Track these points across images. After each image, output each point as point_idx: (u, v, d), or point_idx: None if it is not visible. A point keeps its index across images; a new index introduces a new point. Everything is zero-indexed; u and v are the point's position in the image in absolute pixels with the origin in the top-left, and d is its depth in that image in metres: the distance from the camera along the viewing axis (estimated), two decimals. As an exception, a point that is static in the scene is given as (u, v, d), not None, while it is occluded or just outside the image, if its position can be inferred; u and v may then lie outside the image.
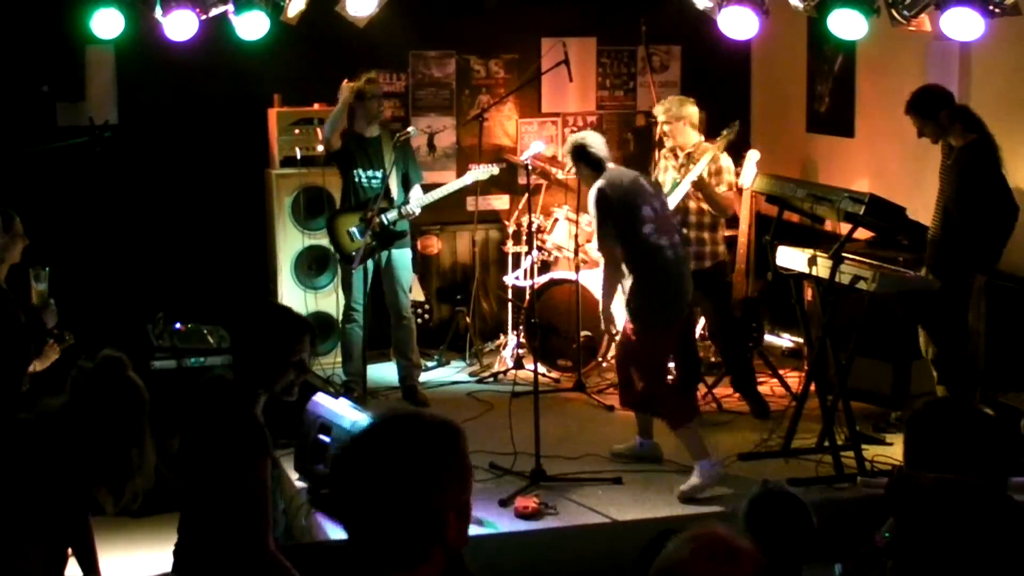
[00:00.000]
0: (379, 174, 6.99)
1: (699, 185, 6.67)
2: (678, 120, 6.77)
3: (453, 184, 7.32)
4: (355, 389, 6.89)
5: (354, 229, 7.00)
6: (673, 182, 6.75)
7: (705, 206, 6.76)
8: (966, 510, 2.32)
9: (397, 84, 8.42)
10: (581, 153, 5.95)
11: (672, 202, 6.61)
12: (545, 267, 8.02)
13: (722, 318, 7.05)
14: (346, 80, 7.09)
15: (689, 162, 6.73)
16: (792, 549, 3.27)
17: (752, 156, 7.09)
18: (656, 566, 2.05)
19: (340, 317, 7.30)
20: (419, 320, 7.94)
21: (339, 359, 7.53)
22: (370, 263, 7.01)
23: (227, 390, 3.65)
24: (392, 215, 6.94)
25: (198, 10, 5.86)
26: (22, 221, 5.43)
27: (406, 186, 7.07)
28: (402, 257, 7.17)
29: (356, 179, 7.03)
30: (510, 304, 8.02)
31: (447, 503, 2.05)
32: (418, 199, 7.05)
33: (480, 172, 7.30)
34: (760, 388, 7.41)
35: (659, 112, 6.85)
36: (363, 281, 6.95)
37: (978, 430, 2.89)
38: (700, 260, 6.73)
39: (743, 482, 5.81)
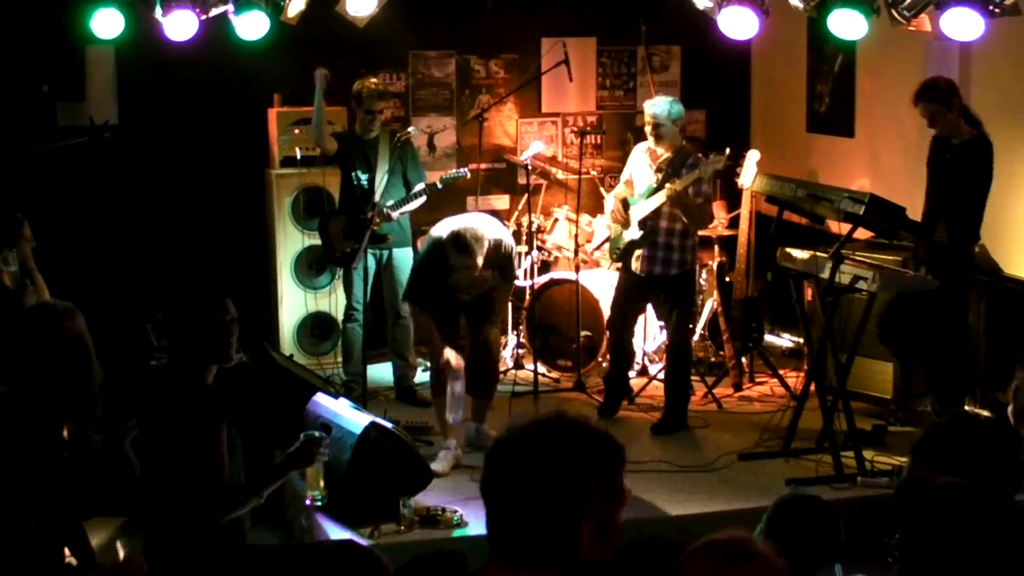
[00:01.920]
0: (368, 176, 6.95)
1: (677, 201, 6.36)
2: (673, 123, 6.44)
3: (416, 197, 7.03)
4: (355, 389, 6.88)
5: (340, 231, 6.98)
6: (649, 186, 6.53)
7: (677, 212, 6.45)
8: (975, 515, 2.31)
9: (397, 84, 8.41)
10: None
11: (647, 208, 6.49)
12: (545, 267, 8.02)
13: (682, 327, 6.71)
14: (320, 68, 6.95)
15: (670, 169, 6.44)
16: (817, 555, 3.26)
17: (752, 156, 7.09)
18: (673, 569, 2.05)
19: (341, 316, 7.30)
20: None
21: (339, 359, 7.53)
22: (371, 263, 7.01)
23: (172, 372, 3.80)
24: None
25: (198, 10, 5.87)
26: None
27: (408, 188, 7.04)
28: (403, 257, 7.16)
29: (355, 181, 7.00)
30: (510, 304, 8.01)
31: (583, 513, 2.04)
32: (399, 208, 6.91)
33: (448, 177, 7.18)
34: (760, 388, 7.43)
35: (655, 110, 6.45)
36: (364, 280, 6.94)
37: (993, 443, 2.83)
38: (667, 266, 6.53)
39: (743, 482, 5.83)
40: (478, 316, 6.19)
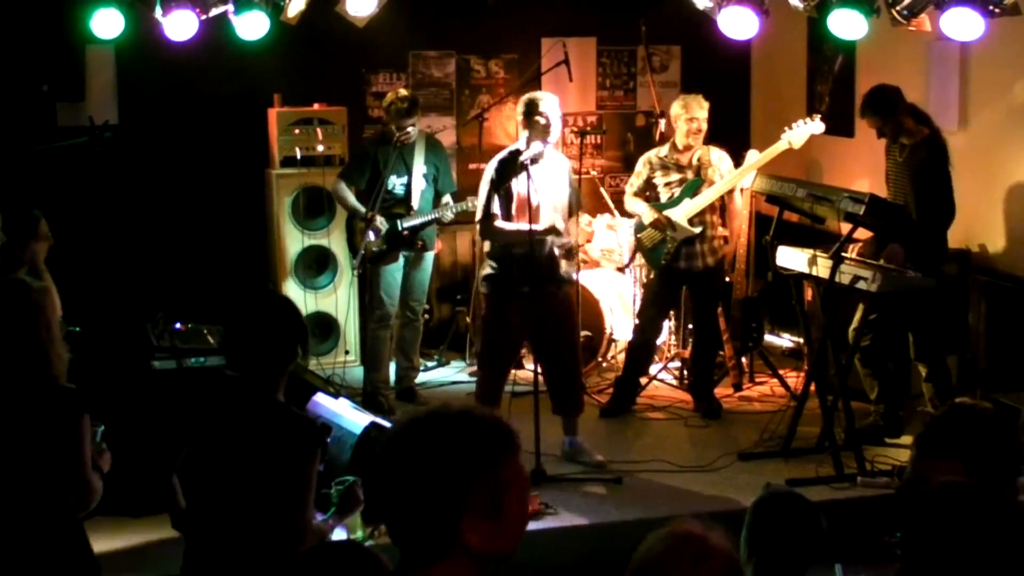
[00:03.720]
0: (407, 180, 6.97)
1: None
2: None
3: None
4: (384, 402, 6.91)
5: (370, 231, 7.00)
6: (690, 184, 6.77)
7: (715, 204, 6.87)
8: (976, 515, 2.32)
9: (397, 84, 8.41)
10: None
11: (698, 205, 6.74)
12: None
13: (716, 313, 7.10)
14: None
15: (700, 166, 6.79)
16: (800, 551, 3.25)
17: (752, 156, 7.09)
18: (631, 564, 2.05)
19: (371, 322, 7.15)
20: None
21: (339, 359, 7.53)
22: (402, 264, 7.05)
23: (251, 392, 3.56)
24: (410, 223, 6.93)
25: (198, 10, 5.87)
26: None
27: (438, 194, 7.07)
28: (426, 261, 7.20)
29: (389, 185, 6.92)
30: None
31: (467, 504, 2.01)
32: (452, 206, 7.00)
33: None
34: (760, 388, 7.43)
35: (701, 112, 6.74)
36: (398, 284, 7.04)
37: (991, 430, 2.87)
38: (713, 256, 6.88)
39: (743, 482, 5.83)
40: (556, 329, 6.15)
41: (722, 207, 7.00)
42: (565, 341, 6.19)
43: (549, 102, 6.03)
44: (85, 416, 3.59)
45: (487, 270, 6.19)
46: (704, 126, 6.75)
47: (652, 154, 6.96)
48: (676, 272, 6.86)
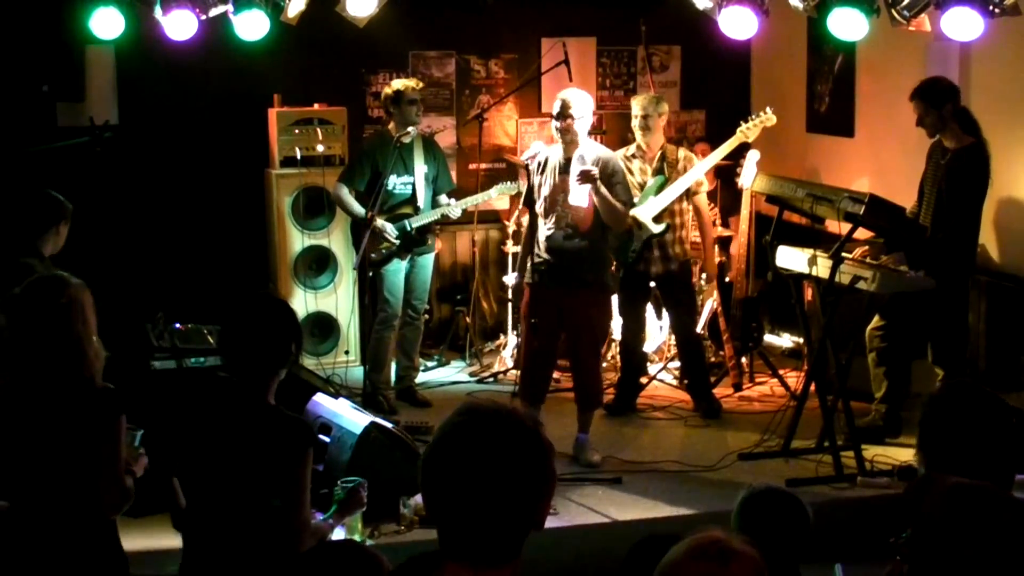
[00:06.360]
0: (410, 179, 6.99)
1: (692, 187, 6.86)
2: (660, 117, 6.85)
3: (481, 196, 7.30)
4: (384, 402, 6.93)
5: (384, 236, 6.99)
6: (657, 181, 6.80)
7: (679, 207, 6.89)
8: (985, 516, 2.32)
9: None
10: None
11: (662, 203, 6.76)
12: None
13: (692, 314, 7.13)
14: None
15: (664, 164, 6.82)
16: (789, 546, 3.25)
17: (752, 156, 7.09)
18: (657, 570, 2.05)
19: (376, 323, 7.15)
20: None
21: (339, 358, 7.51)
22: (407, 266, 7.06)
23: (244, 393, 3.57)
24: (419, 222, 6.96)
25: (198, 10, 5.87)
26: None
27: (435, 191, 7.09)
28: (427, 260, 7.21)
29: (390, 186, 6.94)
30: (510, 304, 8.02)
31: (548, 501, 2.12)
32: (456, 204, 7.06)
33: (506, 187, 7.32)
34: (760, 388, 7.43)
35: (646, 106, 6.84)
36: (402, 284, 7.05)
37: (1000, 419, 2.90)
38: (673, 261, 6.88)
39: (743, 482, 5.82)
40: (575, 328, 6.17)
41: (694, 209, 7.01)
42: (583, 339, 6.20)
43: (574, 101, 6.10)
44: (122, 417, 3.59)
45: (531, 262, 6.23)
46: (650, 123, 6.79)
47: (619, 153, 6.96)
48: (637, 273, 6.91)
